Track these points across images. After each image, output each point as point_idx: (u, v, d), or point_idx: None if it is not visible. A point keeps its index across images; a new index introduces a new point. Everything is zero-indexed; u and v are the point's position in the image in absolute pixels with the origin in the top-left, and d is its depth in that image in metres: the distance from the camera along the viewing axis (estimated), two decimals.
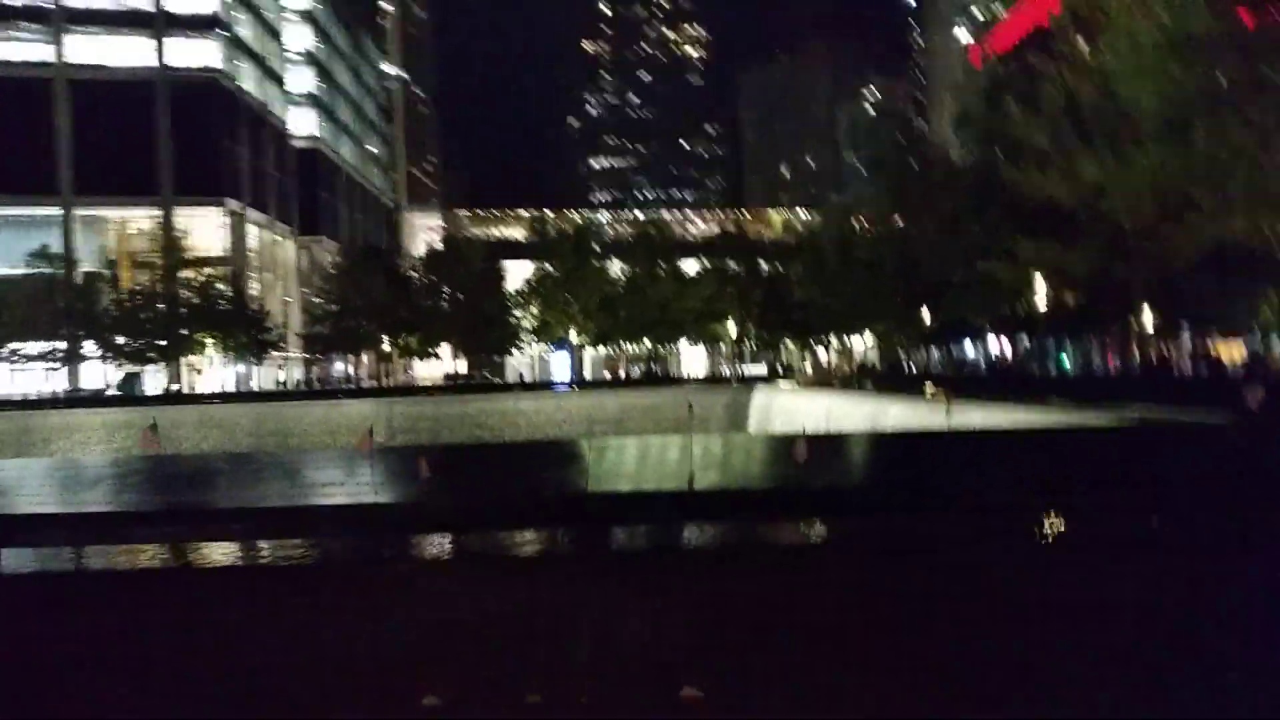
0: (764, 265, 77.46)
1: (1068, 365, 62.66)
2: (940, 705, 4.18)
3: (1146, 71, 20.65)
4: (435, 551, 4.38)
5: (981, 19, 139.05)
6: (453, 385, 67.25)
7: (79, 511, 5.72)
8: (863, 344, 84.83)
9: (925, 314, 59.30)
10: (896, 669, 4.34)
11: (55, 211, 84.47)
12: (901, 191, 57.71)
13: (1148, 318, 39.49)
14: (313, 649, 4.40)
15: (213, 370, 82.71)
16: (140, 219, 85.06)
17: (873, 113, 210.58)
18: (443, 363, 78.96)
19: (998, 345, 67.31)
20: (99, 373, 75.70)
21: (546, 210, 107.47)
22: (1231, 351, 42.33)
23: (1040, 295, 44.73)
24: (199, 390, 76.65)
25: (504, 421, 50.02)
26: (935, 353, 76.83)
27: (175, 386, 77.46)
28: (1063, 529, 5.43)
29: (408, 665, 4.27)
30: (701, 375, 76.15)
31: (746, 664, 4.48)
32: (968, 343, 75.96)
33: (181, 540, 4.55)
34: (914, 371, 70.27)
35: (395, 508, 5.13)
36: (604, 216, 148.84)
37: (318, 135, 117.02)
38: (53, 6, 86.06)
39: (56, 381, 75.82)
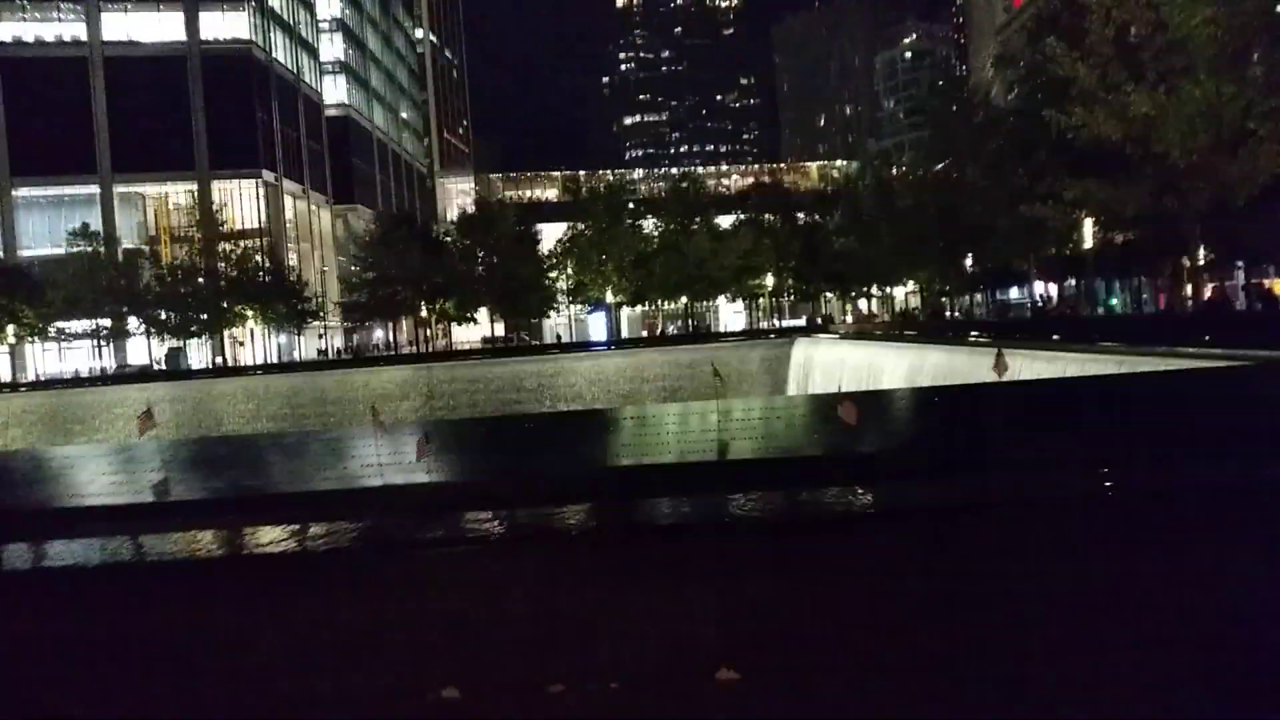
0: (801, 217, 76.25)
1: (1116, 306, 61.18)
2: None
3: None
4: (454, 533, 4.14)
5: None
6: (490, 349, 67.41)
7: (117, 503, 5.51)
8: (903, 293, 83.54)
9: (968, 260, 58.10)
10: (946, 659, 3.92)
11: (94, 190, 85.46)
12: (942, 136, 56.25)
13: (1200, 255, 38.20)
14: (331, 635, 4.11)
15: (256, 342, 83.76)
16: (178, 193, 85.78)
17: (911, 58, 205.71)
18: (480, 327, 79.12)
19: (1043, 288, 65.84)
20: (145, 349, 76.94)
21: (580, 171, 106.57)
22: None
23: (1088, 236, 43.53)
24: (243, 362, 77.70)
25: (541, 382, 49.99)
26: (979, 298, 75.46)
27: (219, 359, 78.58)
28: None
29: (426, 655, 3.98)
30: (740, 329, 75.48)
31: (787, 646, 4.08)
32: (1014, 289, 74.45)
33: (230, 527, 4.42)
34: (957, 317, 69.12)
35: (428, 489, 4.91)
36: (639, 174, 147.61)
37: (350, 103, 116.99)
38: None
39: (104, 359, 77.38)
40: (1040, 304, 61.64)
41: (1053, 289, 65.42)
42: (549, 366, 51.74)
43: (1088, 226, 40.88)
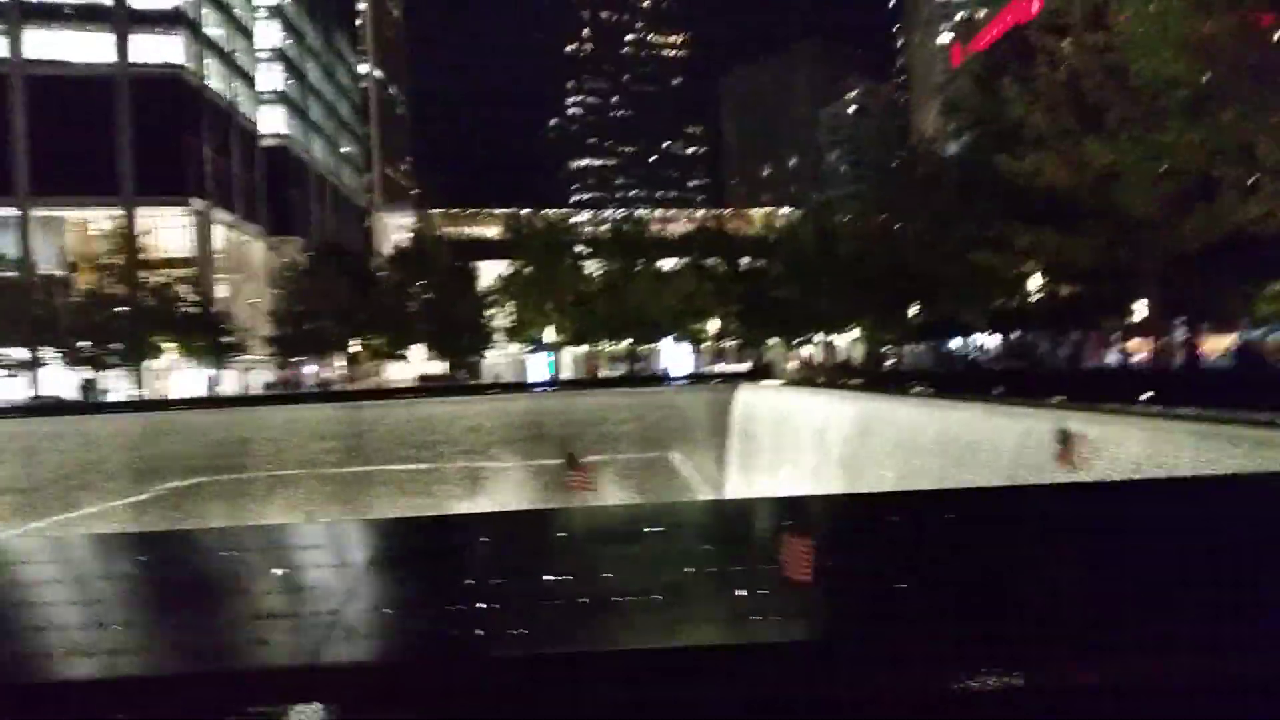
0: (744, 262, 75.57)
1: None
2: None
3: (1171, 40, 18.64)
4: None
5: (962, 18, 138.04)
6: (422, 388, 64.99)
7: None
8: (847, 340, 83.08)
9: (912, 310, 57.53)
10: None
11: (12, 212, 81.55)
12: (885, 188, 55.99)
13: (1141, 310, 37.83)
14: None
15: (181, 376, 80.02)
16: (100, 219, 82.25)
17: (854, 112, 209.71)
18: (413, 365, 76.64)
19: (989, 340, 65.68)
20: (63, 379, 72.96)
21: (523, 210, 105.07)
22: (1216, 344, 40.84)
23: (1034, 286, 43.08)
24: (166, 396, 73.96)
25: (471, 424, 47.74)
26: (921, 348, 75.18)
27: (143, 393, 74.77)
28: None
29: None
30: (684, 373, 74.12)
31: None
32: (955, 339, 74.40)
33: None
34: (897, 368, 68.59)
35: None
36: (584, 216, 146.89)
37: (287, 134, 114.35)
38: (9, 0, 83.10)
39: (17, 390, 73.11)
40: (977, 355, 61.36)
41: (994, 341, 65.35)
42: (452, 409, 49.45)
43: (1035, 277, 40.40)
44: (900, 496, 8.49)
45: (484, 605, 3.82)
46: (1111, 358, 43.64)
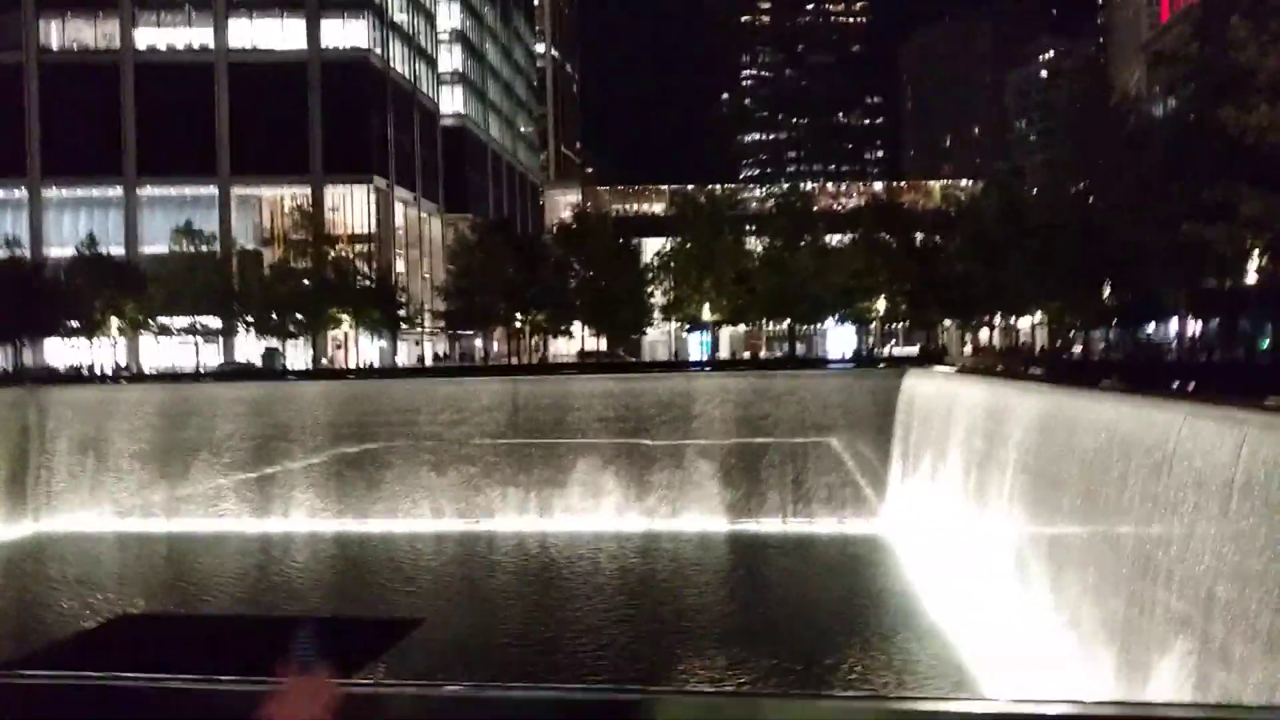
0: (919, 237, 71.07)
1: (1265, 350, 53.88)
2: None
3: None
4: None
5: None
6: (576, 365, 64.98)
7: None
8: (1029, 324, 77.13)
9: (1106, 290, 52.27)
10: None
11: (213, 191, 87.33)
12: (1082, 153, 50.84)
13: None
14: None
15: (356, 347, 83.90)
16: (292, 196, 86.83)
17: (1046, 76, 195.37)
18: (576, 342, 76.95)
19: (1190, 325, 59.05)
20: (250, 347, 78.04)
21: (690, 185, 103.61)
22: None
23: (1252, 265, 37.84)
24: (343, 366, 77.73)
25: (621, 401, 46.86)
26: (1110, 335, 68.70)
27: (324, 361, 78.88)
28: None
29: None
30: (848, 356, 70.82)
31: None
32: (1150, 325, 67.50)
33: None
34: (1088, 357, 62.79)
35: None
36: (755, 192, 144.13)
37: (465, 114, 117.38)
38: None
39: (209, 355, 78.85)
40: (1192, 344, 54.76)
41: (1196, 326, 58.59)
42: (605, 386, 48.68)
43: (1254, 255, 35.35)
44: None
45: None
46: None
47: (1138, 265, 40.92)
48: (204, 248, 74.79)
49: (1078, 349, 64.73)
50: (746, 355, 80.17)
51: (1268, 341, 53.94)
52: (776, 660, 25.63)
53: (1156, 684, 15.95)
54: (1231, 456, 14.50)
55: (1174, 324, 57.54)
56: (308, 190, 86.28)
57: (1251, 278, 37.89)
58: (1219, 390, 20.39)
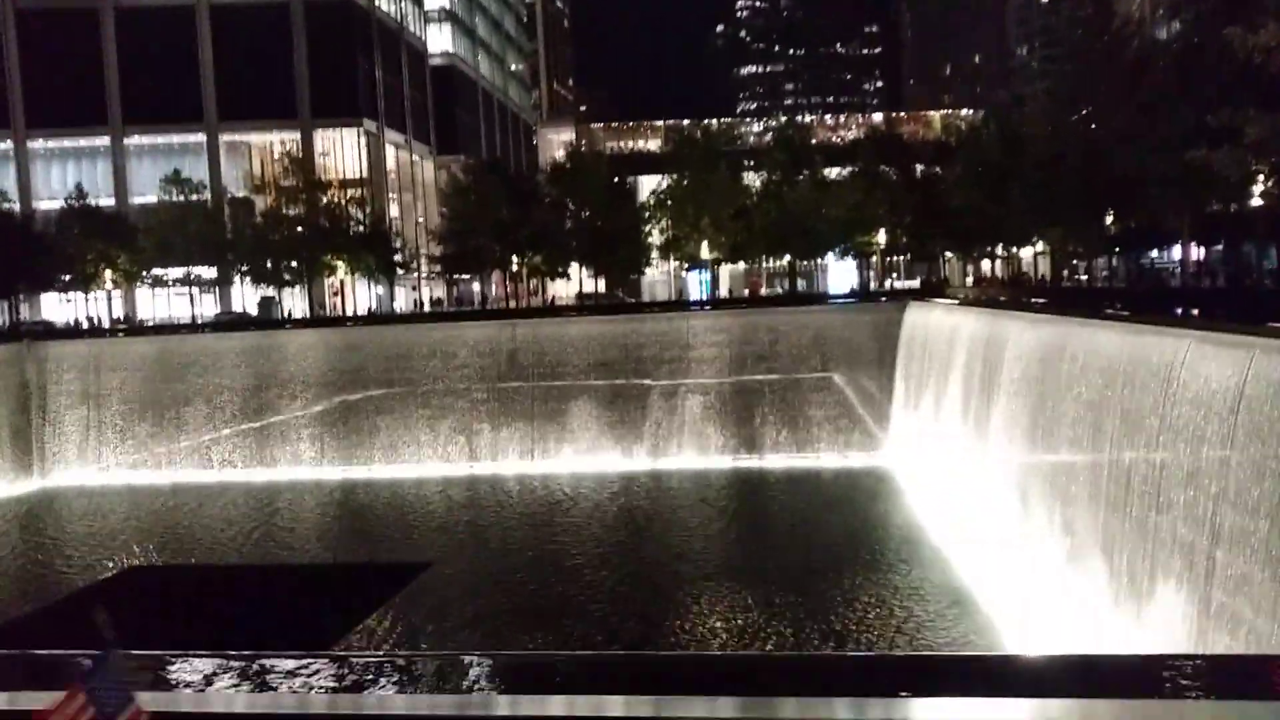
0: (919, 169, 69.98)
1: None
2: None
3: None
4: None
5: None
6: (579, 306, 64.43)
7: None
8: (1031, 254, 76.42)
9: (1109, 218, 51.69)
10: None
11: (201, 138, 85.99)
12: (1084, 80, 49.85)
13: None
14: None
15: (353, 293, 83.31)
16: (280, 142, 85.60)
17: (1048, 1, 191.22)
18: (575, 283, 76.37)
19: (1194, 252, 58.48)
20: (246, 296, 77.49)
21: (685, 121, 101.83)
22: None
23: (1256, 190, 37.30)
24: (340, 313, 77.27)
25: (613, 343, 46.65)
26: (1114, 263, 68.15)
27: (320, 309, 78.40)
28: None
29: None
30: (849, 291, 70.29)
31: None
32: (1153, 252, 66.93)
33: None
34: (1091, 284, 62.38)
35: None
36: (753, 127, 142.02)
37: (454, 52, 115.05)
38: None
39: (204, 306, 78.37)
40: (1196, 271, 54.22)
41: (1200, 252, 58.00)
42: (600, 329, 48.45)
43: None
44: None
45: None
46: None
47: (1140, 192, 40.32)
48: (194, 196, 73.92)
49: (1081, 278, 64.25)
50: (747, 293, 79.66)
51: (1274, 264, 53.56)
52: (782, 589, 25.84)
53: (1157, 608, 16.01)
54: (1237, 381, 14.32)
55: (1177, 250, 56.96)
56: (297, 135, 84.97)
57: (1256, 201, 37.34)
58: (1225, 316, 20.10)
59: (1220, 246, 54.20)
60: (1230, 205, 39.54)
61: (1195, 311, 23.08)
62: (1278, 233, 41.16)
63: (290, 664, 4.24)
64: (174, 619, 25.55)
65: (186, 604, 27.37)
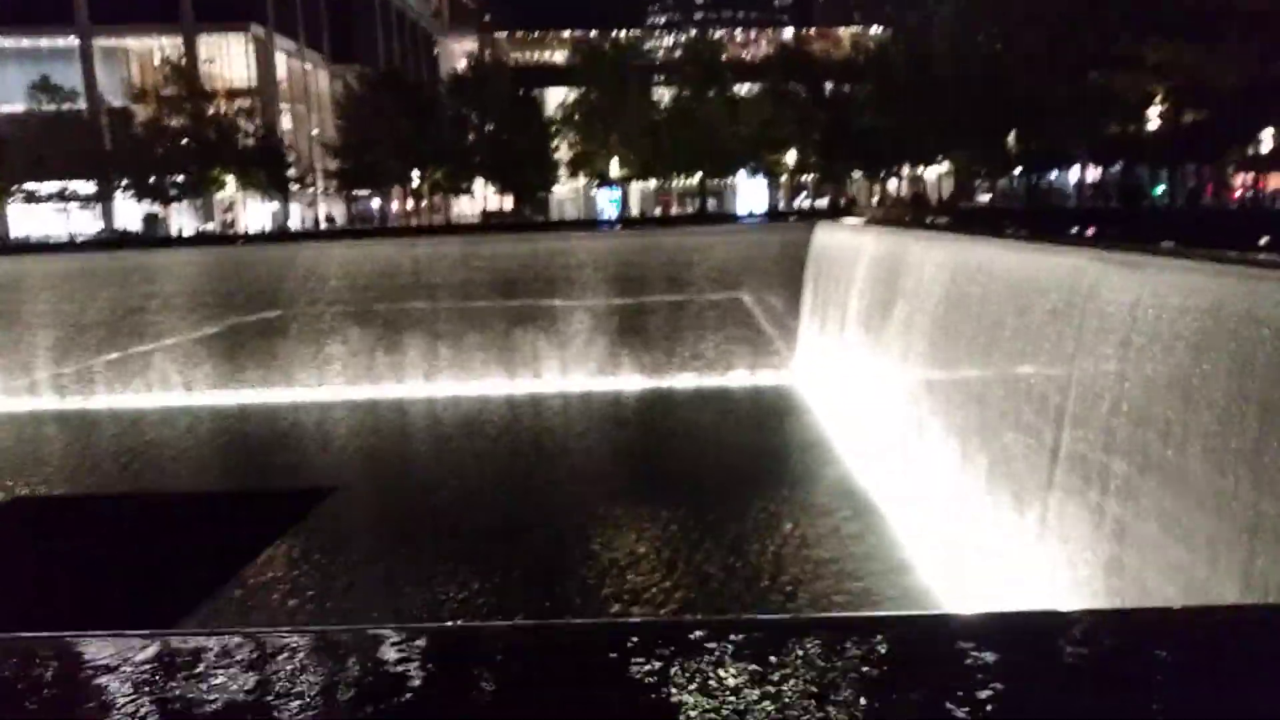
0: (829, 87, 69.77)
1: (1161, 198, 55.63)
2: None
3: None
4: None
5: None
6: (484, 224, 62.79)
7: None
8: (936, 174, 77.57)
9: (1010, 139, 52.50)
10: None
11: (73, 42, 79.80)
12: (994, 3, 50.03)
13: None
14: None
15: (245, 210, 79.57)
16: (161, 48, 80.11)
17: None
18: (479, 201, 74.37)
19: (1090, 173, 60.18)
20: (132, 213, 73.21)
21: (594, 32, 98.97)
22: None
23: (1153, 113, 38.18)
24: (231, 231, 73.77)
25: (530, 261, 45.79)
26: (1015, 185, 69.75)
27: (210, 227, 74.73)
28: None
29: None
30: (759, 211, 70.30)
31: None
32: (1053, 173, 68.62)
33: None
34: (992, 205, 63.67)
35: None
36: (664, 41, 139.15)
37: None
38: None
39: (88, 223, 73.75)
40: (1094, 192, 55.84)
41: (1096, 174, 59.76)
42: (507, 248, 47.49)
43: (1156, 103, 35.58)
44: None
45: None
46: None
47: (1043, 114, 40.95)
48: (67, 106, 68.87)
49: (982, 198, 65.50)
50: (658, 212, 78.93)
51: (1161, 188, 55.53)
52: (689, 507, 26.02)
53: (1053, 523, 16.52)
54: (1134, 299, 14.57)
55: (1074, 172, 58.48)
56: (179, 41, 79.66)
57: (1154, 125, 38.32)
58: (1119, 237, 20.54)
59: (1117, 169, 55.75)
60: (1128, 128, 40.53)
61: (1090, 231, 23.55)
62: (1169, 155, 42.53)
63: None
64: (55, 551, 24.33)
65: (66, 539, 26.06)
